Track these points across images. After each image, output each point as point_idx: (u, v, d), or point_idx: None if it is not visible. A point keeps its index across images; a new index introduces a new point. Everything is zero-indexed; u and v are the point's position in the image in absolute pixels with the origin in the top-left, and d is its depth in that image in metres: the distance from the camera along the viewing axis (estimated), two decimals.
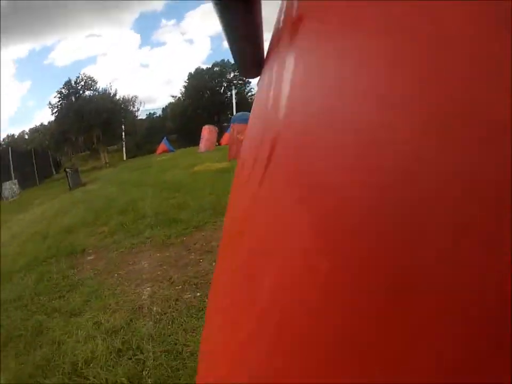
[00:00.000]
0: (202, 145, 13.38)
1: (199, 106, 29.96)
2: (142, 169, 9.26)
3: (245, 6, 0.27)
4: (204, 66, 35.17)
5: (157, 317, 1.44)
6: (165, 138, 18.98)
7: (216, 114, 31.12)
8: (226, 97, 31.64)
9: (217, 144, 15.19)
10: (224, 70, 32.52)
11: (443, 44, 0.10)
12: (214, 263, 1.84)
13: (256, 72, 0.38)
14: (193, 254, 2.11)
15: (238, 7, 0.26)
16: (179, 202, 3.71)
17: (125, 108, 23.03)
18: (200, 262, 1.94)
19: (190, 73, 33.50)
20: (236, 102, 25.61)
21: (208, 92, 31.84)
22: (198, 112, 29.41)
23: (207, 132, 13.81)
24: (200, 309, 1.44)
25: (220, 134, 17.15)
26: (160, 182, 5.65)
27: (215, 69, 33.07)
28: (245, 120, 8.28)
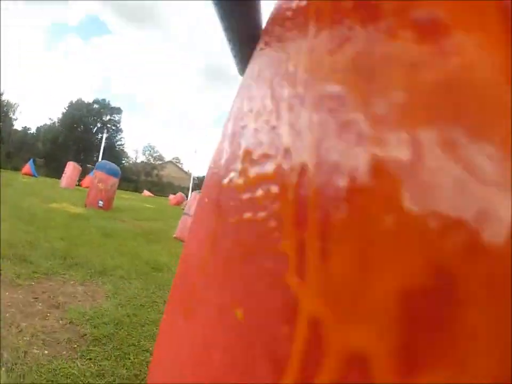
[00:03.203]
0: (64, 181, 13.52)
1: (71, 138, 28.62)
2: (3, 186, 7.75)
3: (245, 6, 0.26)
4: (86, 100, 33.38)
5: (8, 365, 1.37)
6: (31, 160, 18.21)
7: (83, 152, 29.85)
8: (97, 138, 30.62)
9: (77, 183, 15.18)
10: (102, 110, 31.78)
11: None
12: (60, 321, 1.81)
13: None
14: (40, 304, 1.95)
15: (237, 7, 0.26)
16: (32, 239, 3.39)
17: (6, 112, 19.74)
18: (47, 316, 1.82)
19: (71, 102, 31.55)
20: (104, 147, 24.90)
21: (82, 126, 30.51)
22: (68, 144, 28.14)
23: (71, 169, 13.73)
24: (50, 370, 1.41)
25: (83, 174, 16.61)
26: (17, 207, 5.14)
27: (94, 106, 32.02)
28: (109, 170, 8.06)
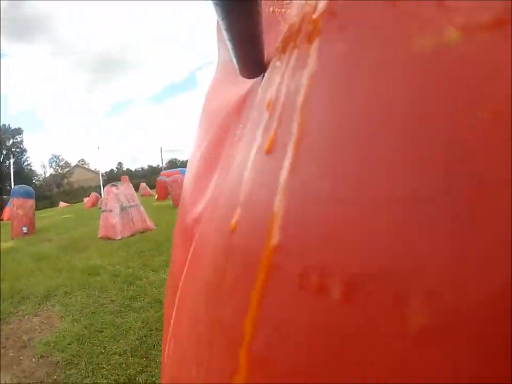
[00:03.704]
0: None
1: None
2: None
3: (245, 6, 0.24)
4: None
5: None
6: None
7: None
8: (6, 166, 27.95)
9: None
10: (4, 135, 28.70)
11: None
12: (33, 359, 2.15)
13: (257, 72, 0.36)
14: (10, 351, 2.21)
15: (238, 8, 0.24)
16: None
17: None
18: (21, 360, 2.11)
19: None
20: (13, 172, 23.10)
21: None
22: None
23: None
24: None
25: (2, 207, 14.88)
26: None
27: None
28: (23, 193, 7.62)
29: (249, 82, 0.41)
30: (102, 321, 2.57)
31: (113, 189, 5.89)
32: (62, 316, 2.78)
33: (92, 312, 2.77)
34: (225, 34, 0.27)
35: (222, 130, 0.44)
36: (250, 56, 0.31)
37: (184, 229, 0.44)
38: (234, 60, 0.32)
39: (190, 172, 0.57)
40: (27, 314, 2.89)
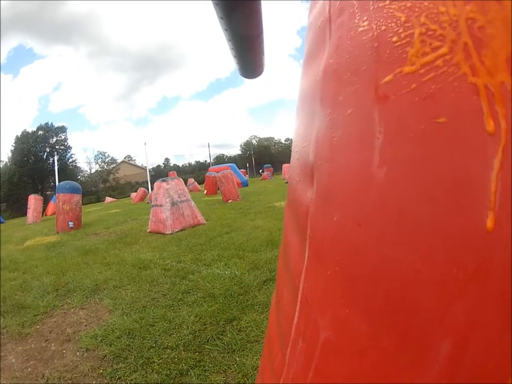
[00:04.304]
0: (30, 215, 13.68)
1: (25, 173, 27.83)
2: None
3: (245, 6, 0.28)
4: (30, 129, 32.29)
5: None
6: None
7: (40, 182, 29.31)
8: (49, 163, 30.07)
9: (43, 214, 15.32)
10: (47, 134, 30.95)
11: None
12: (77, 353, 1.95)
13: (256, 73, 0.36)
14: (53, 344, 2.05)
15: (238, 7, 0.27)
16: (20, 283, 3.50)
17: None
18: (64, 353, 1.93)
19: (16, 136, 30.36)
20: (58, 169, 24.73)
21: (32, 157, 29.71)
22: (24, 179, 27.47)
23: (33, 202, 13.79)
24: None
25: (45, 202, 16.34)
26: None
27: (39, 132, 31.06)
28: (70, 189, 7.88)
29: None
30: (153, 315, 2.35)
31: (164, 184, 5.78)
32: (110, 310, 2.57)
33: (143, 306, 2.55)
34: (225, 34, 0.33)
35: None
36: (251, 56, 0.36)
37: (297, 215, 0.37)
38: (234, 60, 0.37)
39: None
40: (73, 307, 2.71)
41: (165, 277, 3.18)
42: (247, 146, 56.34)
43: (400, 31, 0.26)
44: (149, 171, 32.66)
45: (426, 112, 0.24)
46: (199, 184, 24.06)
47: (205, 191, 15.39)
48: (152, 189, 6.28)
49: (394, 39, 0.26)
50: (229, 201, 9.97)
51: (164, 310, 2.41)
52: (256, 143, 56.92)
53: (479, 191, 0.20)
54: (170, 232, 5.40)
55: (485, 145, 0.21)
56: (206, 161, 51.76)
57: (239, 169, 25.32)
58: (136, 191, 23.42)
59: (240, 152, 57.61)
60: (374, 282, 0.24)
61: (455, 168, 0.21)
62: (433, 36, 0.24)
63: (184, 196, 5.89)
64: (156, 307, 2.49)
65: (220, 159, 53.69)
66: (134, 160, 53.18)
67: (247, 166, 44.82)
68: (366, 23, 0.28)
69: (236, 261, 3.40)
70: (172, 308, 2.44)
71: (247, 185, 19.58)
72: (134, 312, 2.43)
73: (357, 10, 0.29)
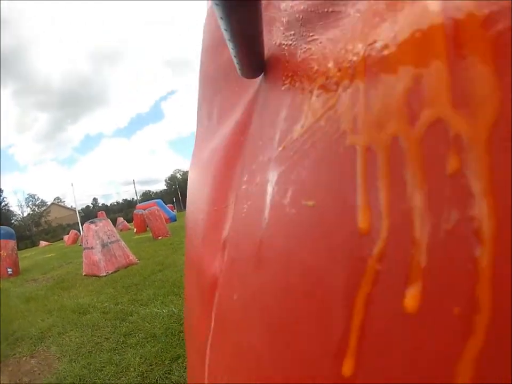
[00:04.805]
0: None
1: None
2: None
3: (245, 6, 0.26)
4: None
5: None
6: None
7: None
8: None
9: None
10: None
11: None
12: None
13: (257, 72, 0.37)
14: None
15: (238, 7, 0.26)
16: None
17: None
18: None
19: None
20: None
21: None
22: None
23: None
24: None
25: None
26: None
27: None
28: (5, 235, 7.69)
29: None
30: (100, 360, 2.59)
31: (92, 225, 5.91)
32: (59, 357, 2.80)
33: (88, 352, 2.79)
34: (225, 34, 0.27)
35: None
36: (250, 56, 0.31)
37: (201, 283, 0.41)
38: (234, 60, 0.31)
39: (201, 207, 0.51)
40: (24, 356, 2.90)
41: (105, 320, 3.42)
42: (171, 180, 57.29)
43: (305, 86, 0.26)
44: (79, 212, 32.08)
45: (301, 192, 0.23)
46: (128, 222, 24.08)
47: (135, 230, 15.34)
48: (83, 230, 6.37)
49: (299, 97, 0.26)
50: (159, 237, 10.12)
51: (109, 354, 2.65)
52: (180, 177, 57.88)
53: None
54: (104, 274, 5.53)
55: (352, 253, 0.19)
56: (133, 198, 51.80)
57: (166, 204, 25.89)
58: (68, 234, 22.81)
59: (165, 187, 57.66)
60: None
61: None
62: (329, 84, 0.23)
63: (114, 236, 6.05)
64: (101, 351, 2.73)
65: (147, 196, 53.54)
66: (64, 201, 52.37)
67: (174, 200, 45.02)
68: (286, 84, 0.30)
69: (172, 298, 3.68)
70: (116, 351, 2.69)
71: (176, 220, 19.81)
72: (81, 358, 2.66)
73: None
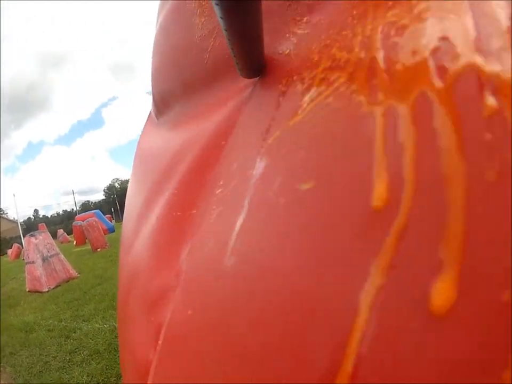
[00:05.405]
0: None
1: None
2: None
3: (245, 6, 0.24)
4: None
5: None
6: None
7: None
8: None
9: None
10: None
11: None
12: None
13: (257, 72, 0.37)
14: None
15: (238, 7, 0.24)
16: None
17: None
18: None
19: None
20: None
21: None
22: None
23: None
24: None
25: None
26: None
27: None
28: None
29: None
30: (50, 380, 2.83)
31: (33, 239, 5.83)
32: (14, 377, 3.05)
33: (39, 371, 3.04)
34: (225, 34, 0.26)
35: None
36: (250, 56, 0.30)
37: (144, 296, 0.37)
38: (234, 60, 0.31)
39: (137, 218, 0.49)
40: None
41: (50, 338, 3.65)
42: (110, 190, 54.72)
43: (304, 75, 0.25)
44: (21, 224, 30.32)
45: (294, 178, 0.21)
46: (68, 234, 23.26)
47: (75, 242, 14.95)
48: (25, 244, 6.19)
49: (298, 87, 0.25)
50: (98, 249, 10.01)
51: (58, 373, 2.89)
52: (119, 186, 55.55)
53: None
54: (46, 289, 5.52)
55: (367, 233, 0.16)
56: (73, 209, 49.02)
57: (105, 214, 25.05)
58: (11, 247, 21.27)
59: (104, 197, 55.00)
60: None
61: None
62: (337, 66, 0.22)
63: (53, 249, 6.00)
64: (50, 371, 2.98)
65: (86, 206, 50.87)
66: (6, 213, 48.49)
67: (112, 210, 43.15)
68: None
69: (112, 313, 3.87)
70: (64, 370, 2.92)
71: (114, 231, 19.11)
72: (33, 378, 2.90)
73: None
